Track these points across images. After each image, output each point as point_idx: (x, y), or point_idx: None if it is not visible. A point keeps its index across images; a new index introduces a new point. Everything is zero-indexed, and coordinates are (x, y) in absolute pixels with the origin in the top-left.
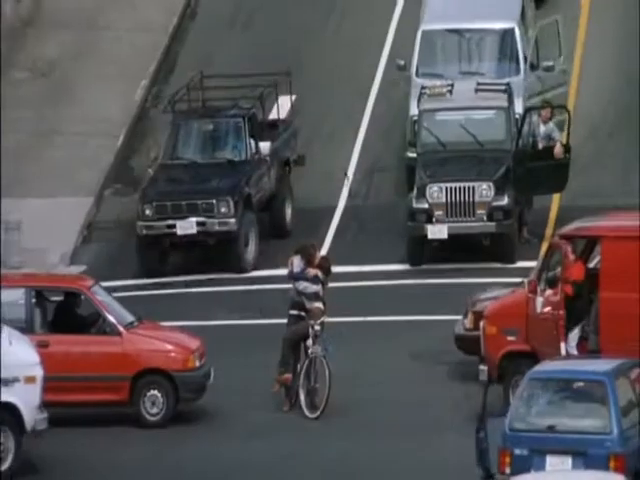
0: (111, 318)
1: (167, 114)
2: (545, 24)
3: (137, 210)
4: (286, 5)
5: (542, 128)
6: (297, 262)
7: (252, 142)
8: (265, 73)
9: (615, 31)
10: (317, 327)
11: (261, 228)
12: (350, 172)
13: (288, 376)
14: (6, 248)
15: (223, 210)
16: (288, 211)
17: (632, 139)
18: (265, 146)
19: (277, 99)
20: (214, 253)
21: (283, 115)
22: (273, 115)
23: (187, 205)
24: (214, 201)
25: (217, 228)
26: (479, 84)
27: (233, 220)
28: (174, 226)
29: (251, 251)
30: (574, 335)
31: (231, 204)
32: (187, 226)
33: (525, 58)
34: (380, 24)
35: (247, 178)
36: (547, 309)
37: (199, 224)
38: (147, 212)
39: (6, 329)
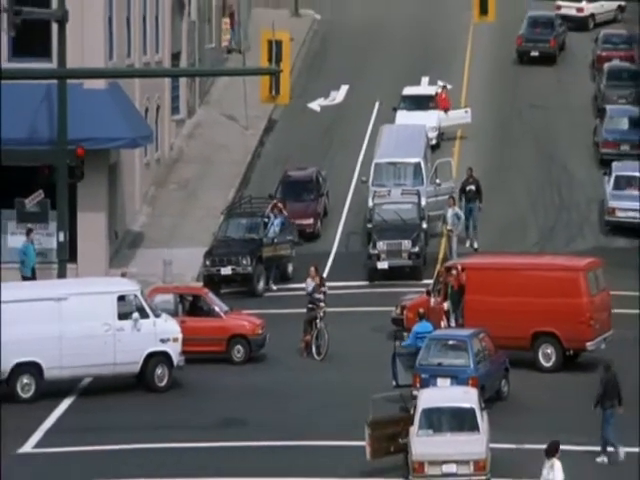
0: (216, 308)
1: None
2: (443, 161)
3: (202, 261)
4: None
5: (449, 211)
6: (309, 281)
7: (265, 229)
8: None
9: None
10: (321, 314)
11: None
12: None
13: (307, 338)
14: (165, 273)
15: (244, 262)
16: (290, 266)
17: (505, 202)
18: (274, 231)
19: (285, 207)
20: (241, 285)
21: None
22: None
23: (227, 260)
24: (239, 257)
25: (241, 271)
26: (403, 190)
27: (249, 268)
28: (220, 270)
29: (260, 284)
30: (452, 317)
31: (248, 259)
32: (226, 271)
33: (426, 177)
34: (353, 158)
35: (260, 247)
36: (438, 304)
37: (232, 269)
38: (207, 262)
39: (163, 315)
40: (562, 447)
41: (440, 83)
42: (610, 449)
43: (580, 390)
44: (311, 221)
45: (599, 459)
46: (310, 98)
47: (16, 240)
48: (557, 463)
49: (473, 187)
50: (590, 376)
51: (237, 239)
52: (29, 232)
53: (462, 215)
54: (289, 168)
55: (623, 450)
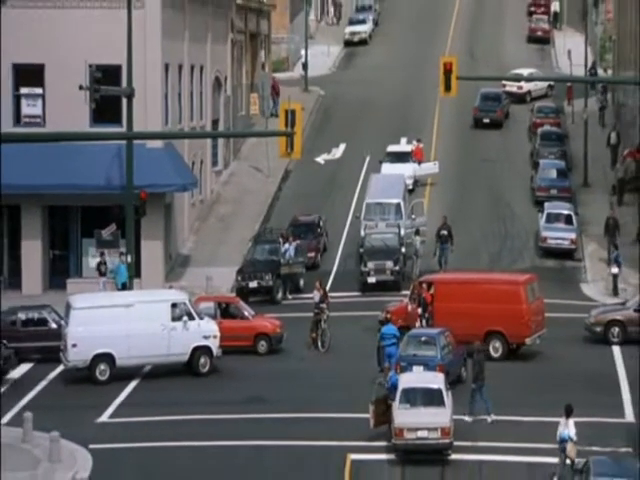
0: (246, 312)
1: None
2: (417, 202)
3: (235, 277)
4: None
5: (418, 239)
6: (316, 292)
7: (281, 252)
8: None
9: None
10: (324, 317)
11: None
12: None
13: (314, 335)
14: (207, 286)
15: (267, 278)
16: (301, 281)
17: (464, 233)
18: (290, 254)
19: (289, 238)
20: (264, 295)
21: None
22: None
23: (253, 276)
24: (263, 274)
25: (264, 285)
26: (387, 224)
27: (271, 282)
28: (248, 284)
29: (279, 295)
30: (424, 320)
31: (269, 276)
32: (253, 284)
33: (405, 213)
34: (349, 199)
35: (278, 266)
36: (414, 309)
37: (258, 283)
38: (238, 277)
39: (206, 317)
40: (507, 418)
41: (415, 142)
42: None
43: (520, 375)
44: (313, 254)
45: (467, 418)
46: (316, 153)
47: (95, 261)
48: (571, 421)
49: (446, 232)
50: (528, 364)
51: (261, 260)
52: (121, 255)
53: (424, 240)
54: (298, 214)
55: (491, 416)
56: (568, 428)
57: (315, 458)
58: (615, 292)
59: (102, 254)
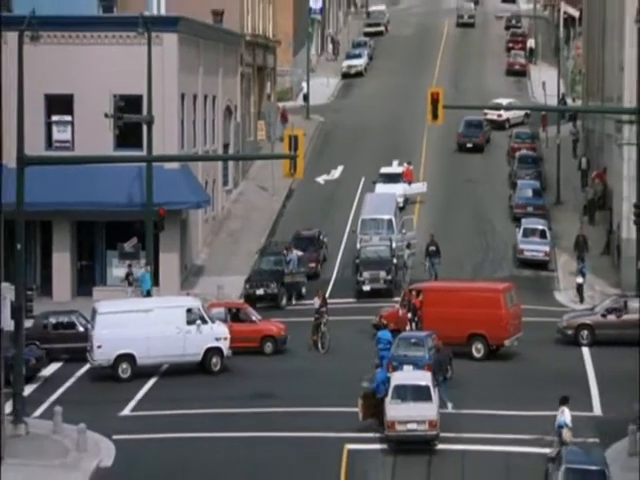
0: (253, 317)
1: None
2: (407, 218)
3: (243, 285)
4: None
5: (407, 252)
6: (316, 299)
7: (285, 262)
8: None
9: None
10: (324, 321)
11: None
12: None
13: (315, 337)
14: (218, 293)
15: (272, 286)
16: (303, 289)
17: (450, 246)
18: (293, 264)
19: (292, 250)
20: (270, 301)
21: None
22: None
23: (260, 284)
24: (269, 282)
25: (270, 292)
26: (380, 237)
27: (276, 290)
28: (255, 291)
29: (283, 301)
30: (414, 324)
31: (274, 284)
32: (260, 291)
33: (396, 228)
34: (346, 215)
35: (282, 275)
36: (404, 314)
37: (264, 291)
38: (247, 286)
39: (217, 321)
40: (487, 412)
41: (405, 165)
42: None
43: (500, 373)
44: (314, 265)
45: (449, 405)
46: (317, 174)
47: (118, 271)
48: (566, 409)
49: (434, 247)
50: (507, 363)
51: (267, 270)
52: (145, 266)
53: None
54: (300, 229)
55: (450, 404)
56: (564, 416)
57: (315, 448)
58: (581, 299)
59: (129, 266)
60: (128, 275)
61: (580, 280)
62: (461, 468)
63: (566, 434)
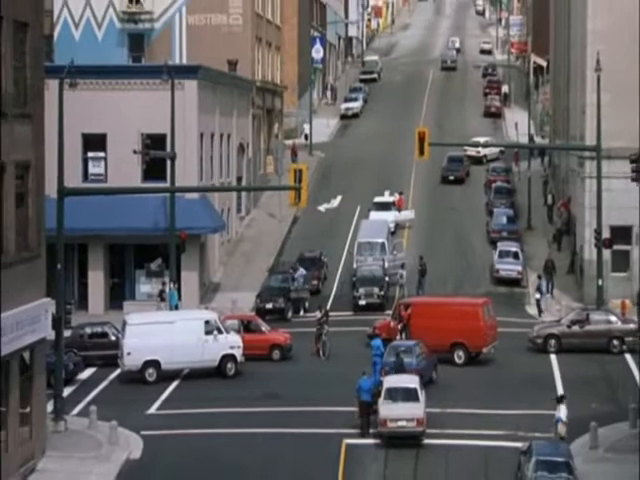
0: (263, 328)
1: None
2: (398, 241)
3: (255, 300)
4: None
5: (401, 271)
6: (318, 312)
7: (292, 281)
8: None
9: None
10: (325, 331)
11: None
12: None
13: (317, 346)
14: (233, 307)
15: (280, 300)
16: (307, 303)
17: (435, 266)
18: (299, 281)
19: (299, 269)
20: (278, 314)
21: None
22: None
23: (270, 298)
24: (277, 297)
25: (277, 306)
26: (374, 258)
27: (283, 304)
28: (265, 305)
29: (289, 314)
30: (403, 334)
31: (282, 299)
32: (269, 305)
33: (388, 250)
34: (344, 239)
35: (289, 291)
36: (395, 325)
37: (273, 305)
38: (257, 300)
39: (232, 332)
40: (468, 410)
41: (397, 195)
42: None
43: (478, 377)
44: (316, 282)
45: None
46: (319, 203)
47: (145, 288)
48: (562, 406)
49: (422, 268)
50: (484, 368)
51: (275, 287)
52: (173, 283)
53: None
54: (304, 251)
55: None
56: (560, 412)
57: (317, 442)
58: (539, 313)
59: (164, 284)
60: (161, 292)
61: (538, 296)
62: (445, 460)
63: (561, 428)
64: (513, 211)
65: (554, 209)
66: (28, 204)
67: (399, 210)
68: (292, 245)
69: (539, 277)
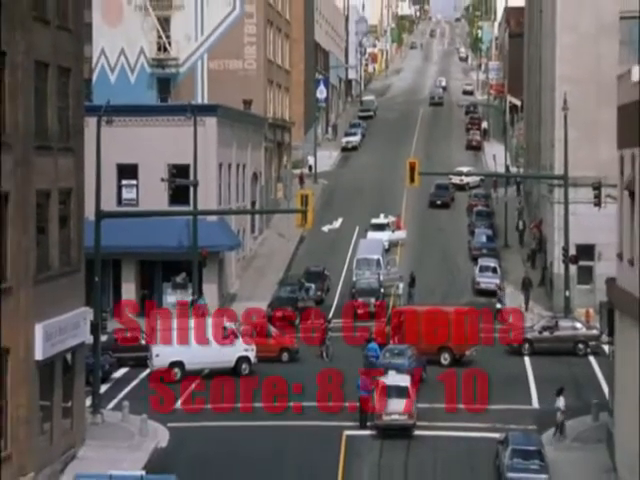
0: (273, 332)
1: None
2: (391, 258)
3: (266, 308)
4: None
5: (399, 284)
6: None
7: (300, 292)
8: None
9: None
10: (328, 336)
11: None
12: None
13: (322, 349)
14: (247, 316)
15: (288, 309)
16: (312, 312)
17: (424, 279)
18: (306, 293)
19: (305, 284)
20: (287, 321)
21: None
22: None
23: (279, 307)
24: (286, 306)
25: (286, 314)
26: (371, 272)
27: (291, 313)
28: (275, 313)
29: (297, 321)
30: (396, 338)
31: (290, 308)
32: (279, 313)
33: (383, 265)
34: (344, 256)
35: (296, 301)
36: (388, 330)
37: (282, 313)
38: (269, 309)
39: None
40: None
41: (392, 217)
42: None
43: (462, 376)
44: (320, 293)
45: None
46: (322, 224)
47: (171, 298)
48: (561, 398)
49: (412, 281)
50: (467, 369)
51: (285, 297)
52: (201, 295)
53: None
54: (309, 266)
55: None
56: (559, 402)
57: (320, 433)
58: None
59: (193, 294)
60: (193, 302)
61: (499, 306)
62: (433, 449)
63: (559, 417)
64: (492, 231)
65: (525, 233)
66: (70, 225)
67: (394, 230)
68: (299, 261)
69: (499, 288)
